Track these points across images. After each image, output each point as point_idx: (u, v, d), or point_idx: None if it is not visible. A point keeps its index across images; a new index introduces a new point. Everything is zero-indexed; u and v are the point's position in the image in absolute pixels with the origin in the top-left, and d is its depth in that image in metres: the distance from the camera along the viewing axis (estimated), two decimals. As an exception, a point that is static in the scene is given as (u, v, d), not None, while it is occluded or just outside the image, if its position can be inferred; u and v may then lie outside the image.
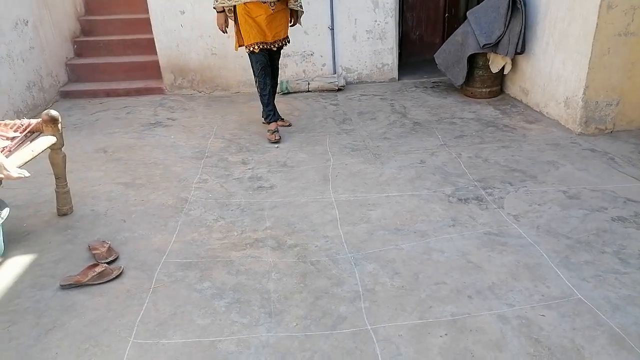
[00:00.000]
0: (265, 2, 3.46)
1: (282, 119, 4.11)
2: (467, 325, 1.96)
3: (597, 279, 2.18)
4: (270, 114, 3.87)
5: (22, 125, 2.69)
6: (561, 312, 2.00)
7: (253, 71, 3.78)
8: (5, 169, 2.26)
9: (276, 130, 3.82)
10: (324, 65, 5.14)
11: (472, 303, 2.08)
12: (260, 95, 3.84)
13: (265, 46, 3.61)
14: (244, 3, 3.46)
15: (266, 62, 3.69)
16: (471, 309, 2.05)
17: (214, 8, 3.61)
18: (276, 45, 3.69)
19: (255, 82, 3.81)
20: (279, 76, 4.08)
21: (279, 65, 4.04)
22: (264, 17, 3.50)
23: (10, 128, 2.66)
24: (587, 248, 2.40)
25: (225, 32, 3.73)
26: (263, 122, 4.06)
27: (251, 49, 3.59)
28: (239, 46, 3.75)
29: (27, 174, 2.35)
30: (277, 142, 3.77)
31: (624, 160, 3.26)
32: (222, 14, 3.62)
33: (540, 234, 2.53)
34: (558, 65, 3.88)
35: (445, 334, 1.92)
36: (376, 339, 1.91)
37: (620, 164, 3.22)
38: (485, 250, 2.42)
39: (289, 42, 3.82)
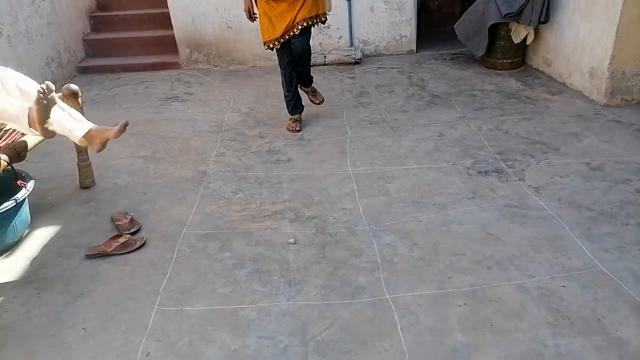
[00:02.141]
0: None
1: (315, 94, 3.70)
2: (487, 295, 1.97)
3: (619, 251, 2.16)
4: (295, 108, 3.57)
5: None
6: (582, 283, 1.99)
7: (279, 63, 3.44)
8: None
9: (298, 120, 3.58)
10: (340, 37, 5.06)
11: (491, 274, 2.08)
12: (286, 91, 3.52)
13: (281, 40, 3.25)
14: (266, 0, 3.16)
15: (291, 54, 3.33)
16: (491, 280, 2.04)
17: None
18: (296, 29, 3.20)
19: (281, 75, 3.49)
20: (310, 63, 3.47)
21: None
22: (286, 5, 3.15)
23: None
24: (610, 220, 2.36)
25: (252, 19, 3.38)
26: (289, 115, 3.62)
27: (270, 45, 3.30)
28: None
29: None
30: (297, 131, 3.52)
31: (650, 132, 3.18)
32: None
33: (561, 205, 2.49)
34: (584, 34, 3.74)
35: (465, 304, 1.93)
36: (395, 308, 1.93)
37: (646, 136, 3.13)
38: (505, 222, 2.40)
39: (322, 20, 3.30)
